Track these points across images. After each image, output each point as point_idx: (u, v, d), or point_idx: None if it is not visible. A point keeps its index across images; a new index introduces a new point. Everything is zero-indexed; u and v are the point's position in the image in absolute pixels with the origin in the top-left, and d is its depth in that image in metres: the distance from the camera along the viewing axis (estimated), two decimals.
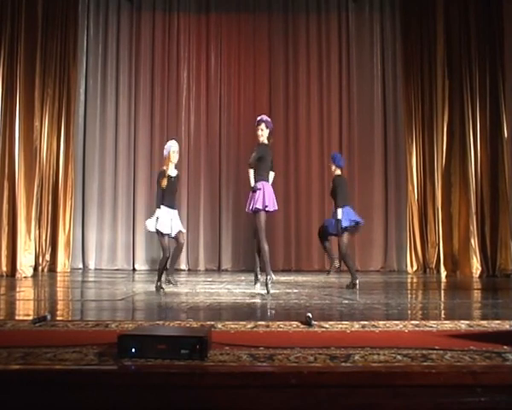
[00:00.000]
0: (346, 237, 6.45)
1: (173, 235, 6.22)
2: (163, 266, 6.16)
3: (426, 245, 9.48)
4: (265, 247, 5.63)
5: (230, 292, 5.90)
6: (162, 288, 5.93)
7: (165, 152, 6.40)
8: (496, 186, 8.74)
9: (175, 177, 6.34)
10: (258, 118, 5.93)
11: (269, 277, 5.51)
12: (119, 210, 10.46)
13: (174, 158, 6.32)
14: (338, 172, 6.66)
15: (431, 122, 9.39)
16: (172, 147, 6.35)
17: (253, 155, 5.77)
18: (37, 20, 8.61)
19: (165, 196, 6.15)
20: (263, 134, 5.81)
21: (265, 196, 5.60)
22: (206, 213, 10.46)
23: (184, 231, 6.54)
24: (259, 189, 5.64)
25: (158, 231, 6.09)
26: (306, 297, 5.24)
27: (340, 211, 6.29)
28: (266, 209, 5.63)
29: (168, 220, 6.12)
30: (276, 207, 5.79)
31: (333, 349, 2.49)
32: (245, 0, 10.85)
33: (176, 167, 6.44)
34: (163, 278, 6.20)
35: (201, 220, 10.42)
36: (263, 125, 5.81)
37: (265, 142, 5.83)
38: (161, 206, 6.11)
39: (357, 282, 6.33)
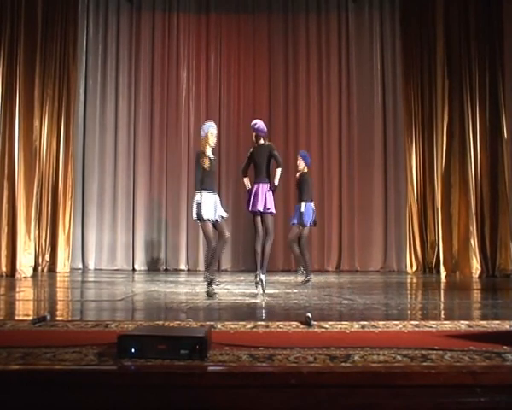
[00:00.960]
0: (307, 230, 7.10)
1: (215, 219, 5.54)
2: (210, 261, 5.55)
3: (425, 245, 9.48)
4: (255, 247, 5.85)
5: (230, 292, 5.90)
6: (214, 293, 5.29)
7: (202, 133, 5.80)
8: (495, 187, 8.75)
9: (214, 159, 5.78)
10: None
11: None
12: (118, 210, 10.46)
13: (212, 141, 5.73)
14: (306, 169, 7.31)
15: (430, 122, 9.40)
16: (211, 128, 5.76)
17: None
18: (36, 20, 8.61)
19: (205, 178, 5.53)
20: (253, 138, 6.08)
21: (249, 199, 5.87)
22: None
23: (226, 216, 5.81)
24: (248, 193, 5.94)
25: (199, 217, 5.48)
26: (306, 297, 5.24)
27: (303, 204, 6.90)
28: (251, 210, 5.85)
29: (211, 205, 5.51)
30: (259, 208, 5.78)
31: (332, 349, 2.49)
32: (244, 0, 10.85)
33: (213, 152, 5.83)
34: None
35: None
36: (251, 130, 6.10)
37: (256, 145, 6.02)
38: (202, 190, 5.50)
39: (311, 278, 6.88)
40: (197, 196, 5.51)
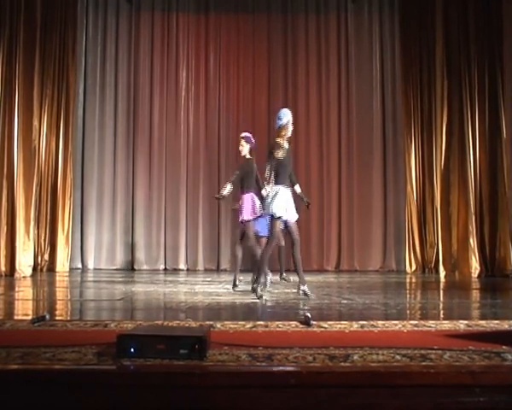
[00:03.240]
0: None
1: (285, 218, 5.13)
2: (263, 258, 5.15)
3: (425, 245, 9.48)
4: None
5: (229, 292, 5.89)
6: (261, 295, 5.04)
7: (283, 121, 5.24)
8: (495, 186, 8.75)
9: (289, 150, 5.31)
10: (241, 134, 6.37)
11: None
12: (117, 210, 10.45)
13: (289, 131, 5.33)
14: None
15: (430, 122, 9.39)
16: (290, 117, 5.34)
17: (236, 173, 6.14)
18: (36, 19, 8.61)
19: (280, 171, 5.14)
20: (243, 149, 6.16)
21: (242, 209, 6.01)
22: (204, 213, 10.45)
23: (296, 217, 5.25)
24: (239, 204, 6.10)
25: (271, 214, 5.12)
26: (305, 297, 5.23)
27: None
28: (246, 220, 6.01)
29: (283, 201, 5.09)
30: (249, 217, 5.98)
31: (332, 349, 2.49)
32: (244, 0, 10.85)
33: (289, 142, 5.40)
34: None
35: (200, 220, 10.42)
36: (243, 141, 6.18)
37: (247, 156, 6.17)
38: (277, 184, 5.13)
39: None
40: (269, 190, 5.16)
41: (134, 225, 10.42)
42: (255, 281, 5.34)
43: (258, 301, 4.88)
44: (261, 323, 3.37)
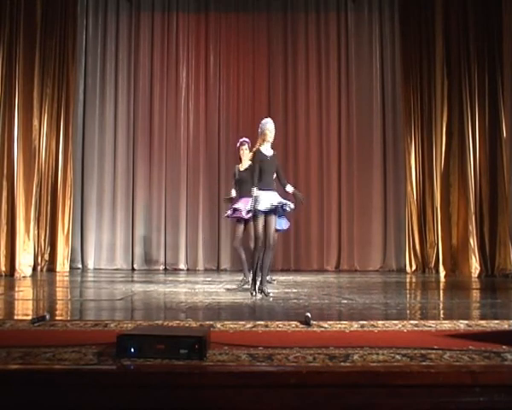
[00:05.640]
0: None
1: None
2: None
3: (425, 245, 9.47)
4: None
5: (229, 292, 5.90)
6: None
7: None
8: (495, 186, 8.74)
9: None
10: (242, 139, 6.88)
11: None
12: (117, 210, 10.45)
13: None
14: None
15: (430, 122, 9.39)
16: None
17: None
18: (35, 19, 8.61)
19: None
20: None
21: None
22: (204, 213, 10.45)
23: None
24: None
25: None
26: (305, 297, 5.24)
27: None
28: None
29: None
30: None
31: (332, 349, 2.49)
32: (244, 0, 10.84)
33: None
34: None
35: (200, 220, 10.41)
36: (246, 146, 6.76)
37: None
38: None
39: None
40: None
41: (134, 225, 10.42)
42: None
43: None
44: (261, 323, 3.37)
